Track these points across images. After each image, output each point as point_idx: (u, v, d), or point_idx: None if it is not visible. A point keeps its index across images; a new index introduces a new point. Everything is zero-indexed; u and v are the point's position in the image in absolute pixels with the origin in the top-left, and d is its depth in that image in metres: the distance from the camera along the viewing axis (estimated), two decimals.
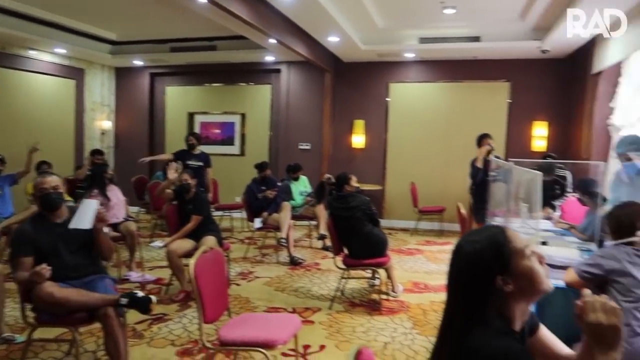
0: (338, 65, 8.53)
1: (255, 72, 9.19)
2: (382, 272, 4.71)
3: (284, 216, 6.00)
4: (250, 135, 9.35)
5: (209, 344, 2.72)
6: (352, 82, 8.64)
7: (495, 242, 1.25)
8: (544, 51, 6.94)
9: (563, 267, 2.72)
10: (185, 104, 9.68)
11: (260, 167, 6.62)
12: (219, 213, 7.75)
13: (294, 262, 5.84)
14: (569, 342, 2.62)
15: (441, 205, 7.83)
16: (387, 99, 8.54)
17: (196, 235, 4.57)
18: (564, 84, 7.66)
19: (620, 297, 2.33)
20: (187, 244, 4.45)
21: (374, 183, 8.43)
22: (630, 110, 5.65)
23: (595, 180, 4.05)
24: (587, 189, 4.08)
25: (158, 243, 5.05)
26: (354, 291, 4.92)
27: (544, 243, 3.45)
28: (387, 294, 4.73)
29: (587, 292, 1.22)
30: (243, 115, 9.35)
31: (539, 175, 2.53)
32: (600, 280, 2.42)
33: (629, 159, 3.28)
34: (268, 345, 2.58)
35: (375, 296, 4.65)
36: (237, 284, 5.06)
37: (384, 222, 8.10)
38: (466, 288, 1.24)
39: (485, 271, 1.22)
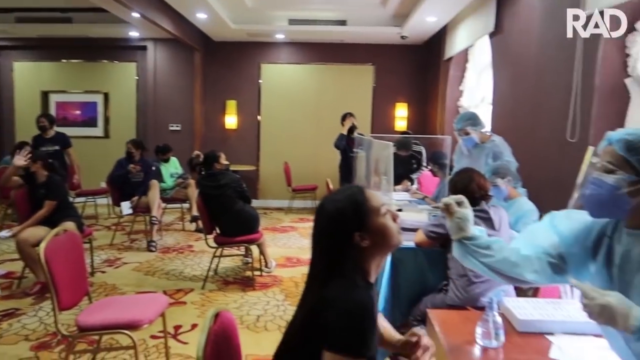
0: (208, 44, 8.31)
1: (118, 49, 8.59)
2: (255, 249, 4.76)
3: (153, 194, 5.73)
4: (115, 116, 8.75)
5: (65, 332, 2.55)
6: (223, 62, 8.48)
7: (355, 200, 1.33)
8: (403, 37, 7.45)
9: (413, 230, 3.00)
10: (38, 82, 8.73)
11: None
12: (82, 199, 7.20)
13: (149, 247, 5.57)
14: (419, 297, 2.93)
15: (314, 183, 8.10)
16: (259, 80, 8.55)
17: (52, 222, 4.19)
18: (421, 68, 8.32)
19: None
20: (40, 231, 4.07)
21: (248, 164, 8.44)
22: (475, 93, 6.33)
23: (444, 152, 4.49)
24: (437, 161, 4.53)
25: (4, 233, 4.54)
26: (228, 270, 4.93)
27: (399, 210, 3.76)
28: (260, 270, 4.81)
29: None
30: (106, 95, 8.71)
31: (390, 146, 2.75)
32: (444, 239, 2.72)
33: (467, 134, 3.68)
34: (132, 327, 2.49)
35: (248, 273, 4.70)
36: (103, 272, 4.78)
37: (259, 202, 8.20)
38: (328, 243, 1.32)
39: (344, 227, 1.30)
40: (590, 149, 1.21)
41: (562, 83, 3.60)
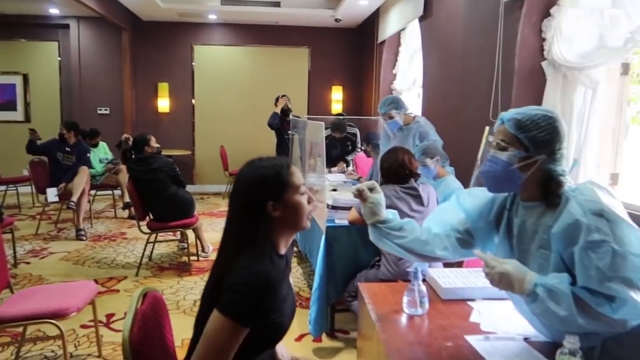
0: (137, 24, 7.96)
1: (37, 27, 8.04)
2: (191, 234, 4.69)
3: (79, 180, 5.44)
4: (36, 99, 8.22)
5: None
6: (154, 43, 8.16)
7: (278, 171, 1.34)
8: (337, 20, 7.49)
9: (347, 208, 3.07)
10: None
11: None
12: (2, 187, 6.77)
13: (78, 236, 5.34)
14: (353, 273, 3.01)
15: None
16: (192, 62, 8.31)
17: None
18: (356, 51, 8.41)
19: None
20: None
21: (183, 148, 8.23)
22: (407, 76, 6.49)
23: (377, 133, 4.59)
24: (370, 142, 4.63)
25: None
26: (163, 256, 4.82)
27: (334, 190, 3.83)
28: (197, 255, 4.74)
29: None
30: (25, 76, 8.16)
31: (322, 127, 2.79)
32: None
33: (392, 117, 3.78)
34: (59, 315, 2.39)
35: (184, 258, 4.63)
36: (27, 262, 4.54)
37: (195, 188, 8.05)
38: (243, 206, 1.34)
39: (261, 193, 1.32)
40: (487, 128, 1.30)
41: (486, 66, 3.77)
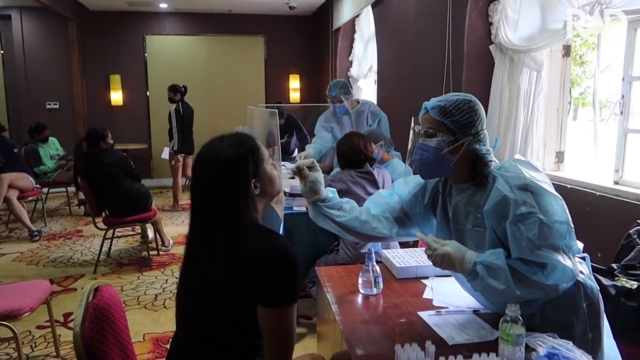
0: (84, 14, 7.66)
1: None
2: (150, 229, 4.61)
3: None
4: None
5: None
6: (103, 33, 7.88)
7: (252, 147, 1.30)
8: (291, 7, 7.42)
9: None
10: None
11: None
12: None
13: (33, 239, 5.11)
14: (313, 259, 3.04)
15: None
16: (145, 52, 8.09)
17: None
18: (312, 39, 8.39)
19: None
20: None
21: (139, 142, 8.02)
22: (363, 63, 6.53)
23: None
24: None
25: None
26: (122, 252, 4.73)
27: (292, 178, 3.83)
28: (157, 249, 4.67)
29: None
30: None
31: (275, 113, 2.79)
32: None
33: (341, 101, 3.85)
34: (11, 316, 2.32)
35: (144, 253, 4.55)
36: None
37: (154, 182, 7.91)
38: (226, 191, 1.26)
39: (245, 174, 1.26)
40: (413, 118, 1.36)
41: (437, 51, 3.85)
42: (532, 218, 1.28)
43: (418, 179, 1.64)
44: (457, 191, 1.51)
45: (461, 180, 1.49)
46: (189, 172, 6.34)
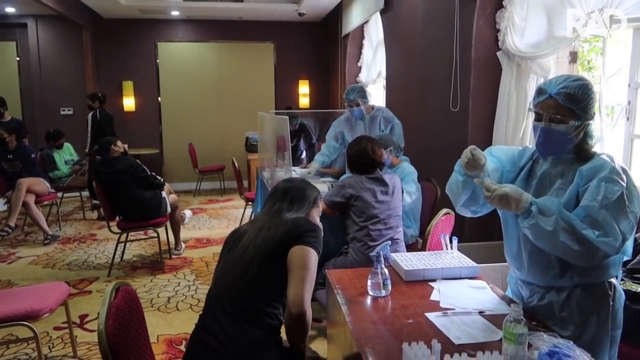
0: (97, 22, 7.82)
1: None
2: (162, 233, 4.68)
3: (16, 197, 5.15)
4: None
5: None
6: (116, 41, 8.02)
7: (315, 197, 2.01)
8: (300, 14, 7.52)
9: None
10: None
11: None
12: None
13: (45, 242, 5.22)
14: (323, 261, 3.08)
15: (221, 163, 8.02)
16: (157, 59, 8.22)
17: None
18: (321, 45, 8.47)
19: (356, 217, 2.83)
20: None
21: (151, 147, 8.14)
22: (372, 69, 6.59)
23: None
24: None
25: None
26: (135, 255, 4.82)
27: None
28: (169, 252, 4.75)
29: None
30: None
31: (286, 120, 2.85)
32: (343, 207, 2.90)
33: (358, 105, 3.91)
34: (31, 317, 2.40)
35: (157, 257, 4.63)
36: None
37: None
38: (302, 200, 1.95)
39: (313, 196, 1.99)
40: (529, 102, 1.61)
41: (445, 57, 3.90)
42: (618, 187, 1.41)
43: (507, 147, 1.80)
44: (556, 159, 1.58)
45: (566, 152, 1.56)
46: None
